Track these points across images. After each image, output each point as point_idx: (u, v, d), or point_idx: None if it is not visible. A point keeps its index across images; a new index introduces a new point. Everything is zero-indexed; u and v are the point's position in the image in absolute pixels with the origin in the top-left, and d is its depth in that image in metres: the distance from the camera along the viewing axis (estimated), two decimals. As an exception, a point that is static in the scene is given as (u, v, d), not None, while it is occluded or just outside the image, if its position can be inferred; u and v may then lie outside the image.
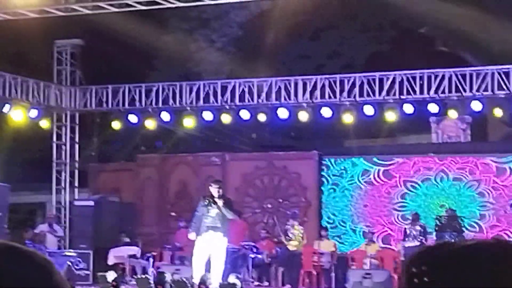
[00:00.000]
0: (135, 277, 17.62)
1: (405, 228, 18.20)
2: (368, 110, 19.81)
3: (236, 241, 18.18)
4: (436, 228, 17.63)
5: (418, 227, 17.63)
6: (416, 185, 20.07)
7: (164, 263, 19.05)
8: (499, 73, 19.21)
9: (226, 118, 20.98)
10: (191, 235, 16.82)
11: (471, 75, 19.48)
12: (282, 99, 20.57)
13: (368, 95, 19.97)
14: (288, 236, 18.52)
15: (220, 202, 16.29)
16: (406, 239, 17.69)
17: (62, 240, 21.49)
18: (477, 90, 19.23)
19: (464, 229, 17.78)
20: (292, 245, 18.37)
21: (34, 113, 21.26)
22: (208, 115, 21.10)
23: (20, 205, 24.65)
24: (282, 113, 20.38)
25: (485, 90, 19.21)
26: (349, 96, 20.06)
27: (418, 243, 17.30)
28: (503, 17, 22.36)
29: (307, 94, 20.41)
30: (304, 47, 25.47)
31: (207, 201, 16.49)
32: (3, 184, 21.08)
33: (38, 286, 1.52)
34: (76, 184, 22.91)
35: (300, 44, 25.43)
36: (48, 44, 22.74)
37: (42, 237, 19.91)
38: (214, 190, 16.55)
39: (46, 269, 1.55)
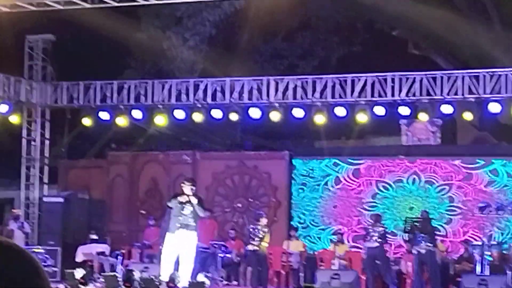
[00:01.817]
0: (103, 274, 17.58)
1: (367, 229, 18.26)
2: (340, 111, 19.91)
3: (205, 240, 18.20)
4: (406, 230, 17.71)
5: (379, 229, 17.71)
6: (386, 187, 20.21)
7: (133, 261, 19.04)
8: (469, 77, 19.38)
9: (197, 117, 20.99)
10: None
11: (442, 79, 19.65)
12: (254, 98, 20.63)
13: (340, 96, 20.08)
14: (256, 236, 18.50)
15: (194, 200, 16.35)
16: (368, 239, 17.76)
17: (29, 236, 21.41)
18: (448, 94, 19.39)
19: (436, 233, 17.80)
20: (252, 245, 18.27)
21: (4, 108, 21.17)
22: (179, 114, 21.09)
23: (6, 200, 24.60)
24: (254, 112, 20.43)
25: (456, 93, 19.38)
26: (321, 97, 20.16)
27: (377, 244, 17.41)
28: (475, 22, 22.59)
29: (279, 94, 20.48)
30: (277, 47, 25.57)
31: (177, 199, 16.51)
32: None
33: (28, 281, 1.54)
34: (46, 180, 22.81)
35: (273, 44, 25.52)
36: (20, 39, 22.66)
37: (9, 233, 19.81)
38: (187, 188, 16.58)
39: (34, 265, 1.57)
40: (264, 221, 18.52)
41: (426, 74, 19.82)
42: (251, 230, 18.54)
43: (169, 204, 16.85)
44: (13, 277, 1.53)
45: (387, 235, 17.97)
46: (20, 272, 1.56)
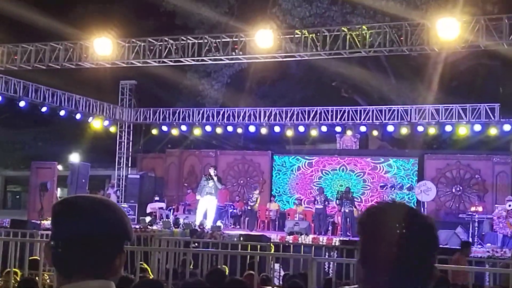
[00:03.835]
0: (162, 220, 17.71)
1: (315, 196, 18.34)
2: (301, 128, 20.09)
3: (222, 201, 18.36)
4: (338, 198, 17.81)
5: (323, 197, 17.79)
6: (326, 173, 20.32)
7: (179, 213, 19.18)
8: (376, 110, 19.58)
9: (219, 130, 21.15)
10: (198, 196, 17.02)
11: (360, 111, 19.85)
12: (252, 120, 20.79)
13: (301, 120, 20.26)
14: (251, 200, 18.63)
15: (215, 178, 16.47)
16: (316, 203, 17.83)
17: (119, 198, 21.50)
18: (364, 119, 19.57)
19: (355, 200, 17.87)
20: (251, 206, 18.46)
21: (106, 123, 21.30)
22: (208, 128, 21.26)
23: (96, 176, 24.66)
24: (251, 128, 20.59)
25: (368, 119, 19.56)
26: (290, 120, 20.31)
27: (322, 206, 17.49)
28: (379, 76, 22.72)
29: (266, 118, 20.64)
30: (265, 90, 25.66)
31: (206, 177, 16.65)
32: (86, 163, 21.12)
33: (120, 224, 1.60)
34: (129, 165, 22.92)
35: (263, 88, 25.59)
36: (116, 83, 22.79)
37: (108, 196, 19.88)
38: (211, 171, 16.76)
39: (123, 215, 1.64)
40: (256, 192, 18.69)
41: (351, 108, 20.00)
42: (250, 196, 18.73)
43: (201, 181, 16.99)
44: (116, 220, 1.58)
45: (327, 200, 18.04)
46: (119, 218, 1.59)
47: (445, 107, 18.74)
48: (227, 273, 7.83)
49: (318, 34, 14.07)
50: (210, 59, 15.71)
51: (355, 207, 17.15)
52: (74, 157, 26.47)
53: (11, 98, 18.26)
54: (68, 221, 1.55)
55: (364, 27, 13.90)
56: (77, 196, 1.64)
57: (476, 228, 15.42)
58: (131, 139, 22.99)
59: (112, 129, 22.21)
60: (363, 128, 19.70)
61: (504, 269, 8.38)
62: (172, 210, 18.91)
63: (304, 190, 20.38)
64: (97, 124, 21.20)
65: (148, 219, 17.50)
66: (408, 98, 21.90)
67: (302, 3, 20.31)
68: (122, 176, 22.50)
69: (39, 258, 8.81)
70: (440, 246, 12.27)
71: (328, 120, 19.90)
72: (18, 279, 7.56)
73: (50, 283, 8.17)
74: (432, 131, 18.90)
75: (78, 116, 20.35)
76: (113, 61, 15.95)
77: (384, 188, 18.47)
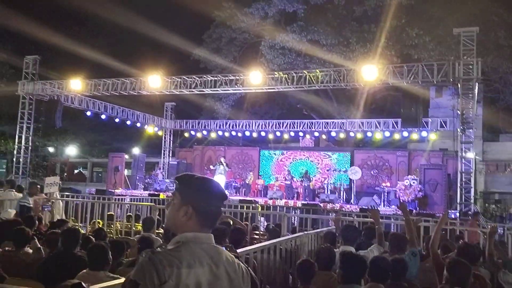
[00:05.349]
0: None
1: (285, 176, 18.27)
2: (278, 133, 20.05)
3: (228, 178, 18.26)
4: (300, 177, 17.77)
5: (290, 176, 17.72)
6: (293, 162, 20.29)
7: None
8: (325, 122, 19.61)
9: (226, 134, 21.07)
10: (211, 167, 16.94)
11: (314, 123, 19.86)
12: (247, 128, 20.73)
13: (278, 128, 20.21)
14: (247, 178, 18.56)
15: (224, 164, 16.39)
16: (286, 180, 17.76)
17: (164, 177, 21.29)
18: (316, 128, 19.60)
19: (311, 178, 17.82)
20: (247, 181, 18.37)
21: (156, 129, 21.15)
22: (220, 133, 21.16)
23: (149, 162, 24.38)
24: (247, 133, 20.54)
25: (319, 128, 19.59)
26: (270, 128, 20.25)
27: (290, 182, 17.44)
28: (326, 101, 22.73)
29: (256, 127, 20.59)
30: (256, 109, 25.57)
31: (219, 163, 16.55)
32: (143, 154, 21.00)
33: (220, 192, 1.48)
34: (170, 155, 22.73)
35: (255, 108, 25.51)
36: (162, 103, 22.61)
37: (157, 175, 19.72)
38: (222, 159, 16.67)
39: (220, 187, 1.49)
40: (251, 174, 18.62)
41: (309, 121, 20.01)
42: (247, 175, 18.62)
43: (215, 166, 16.85)
44: (217, 191, 1.42)
45: (293, 178, 17.97)
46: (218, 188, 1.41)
47: (367, 121, 19.01)
48: (231, 224, 7.84)
49: (289, 75, 14.27)
50: (221, 90, 15.72)
51: (311, 182, 17.21)
52: (136, 150, 26.28)
53: (96, 113, 18.42)
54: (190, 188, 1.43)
55: (317, 71, 14.11)
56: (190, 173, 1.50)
57: (386, 196, 15.62)
58: (171, 139, 22.81)
59: (160, 133, 22.08)
60: (316, 134, 19.77)
61: (402, 222, 8.47)
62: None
63: (279, 172, 20.35)
64: (150, 129, 21.09)
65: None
66: (344, 115, 22.04)
67: (279, 55, 20.47)
68: (166, 162, 22.28)
69: (113, 214, 8.77)
70: (363, 207, 12.24)
71: (295, 128, 19.95)
72: (100, 226, 7.53)
73: (120, 229, 8.16)
74: (359, 135, 19.14)
75: (138, 124, 20.39)
76: (160, 90, 15.89)
77: (329, 171, 18.58)
